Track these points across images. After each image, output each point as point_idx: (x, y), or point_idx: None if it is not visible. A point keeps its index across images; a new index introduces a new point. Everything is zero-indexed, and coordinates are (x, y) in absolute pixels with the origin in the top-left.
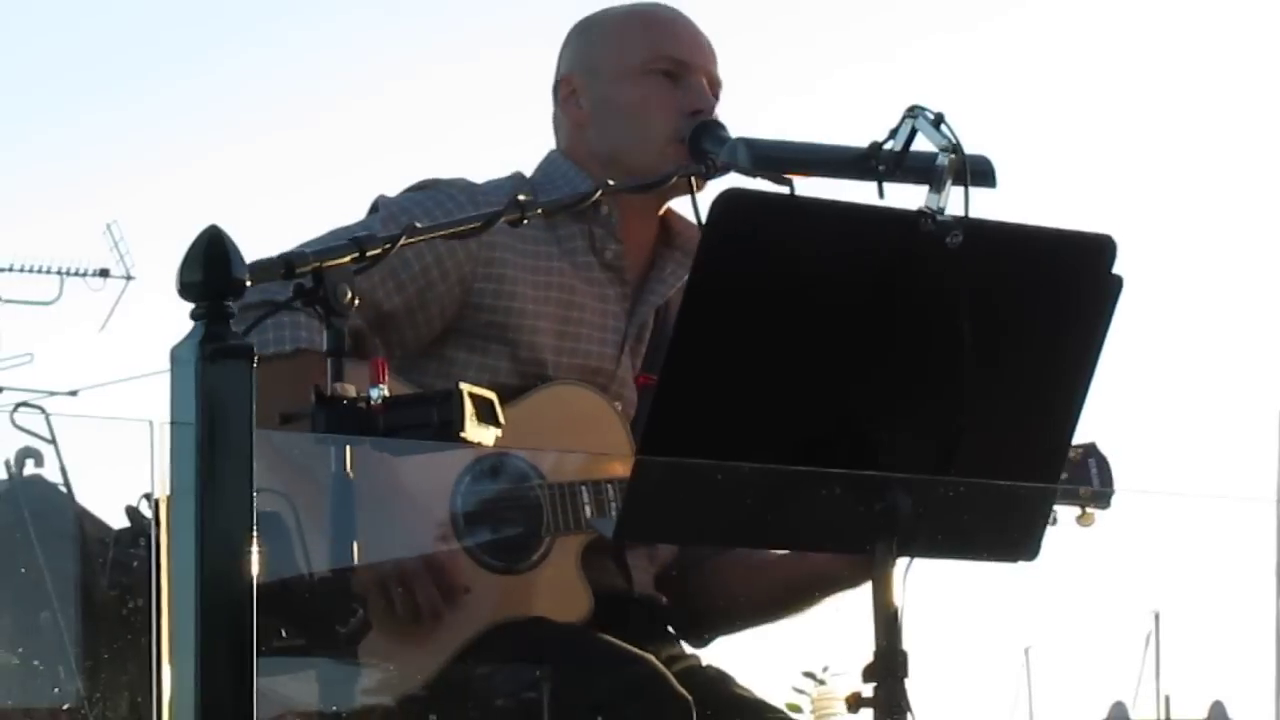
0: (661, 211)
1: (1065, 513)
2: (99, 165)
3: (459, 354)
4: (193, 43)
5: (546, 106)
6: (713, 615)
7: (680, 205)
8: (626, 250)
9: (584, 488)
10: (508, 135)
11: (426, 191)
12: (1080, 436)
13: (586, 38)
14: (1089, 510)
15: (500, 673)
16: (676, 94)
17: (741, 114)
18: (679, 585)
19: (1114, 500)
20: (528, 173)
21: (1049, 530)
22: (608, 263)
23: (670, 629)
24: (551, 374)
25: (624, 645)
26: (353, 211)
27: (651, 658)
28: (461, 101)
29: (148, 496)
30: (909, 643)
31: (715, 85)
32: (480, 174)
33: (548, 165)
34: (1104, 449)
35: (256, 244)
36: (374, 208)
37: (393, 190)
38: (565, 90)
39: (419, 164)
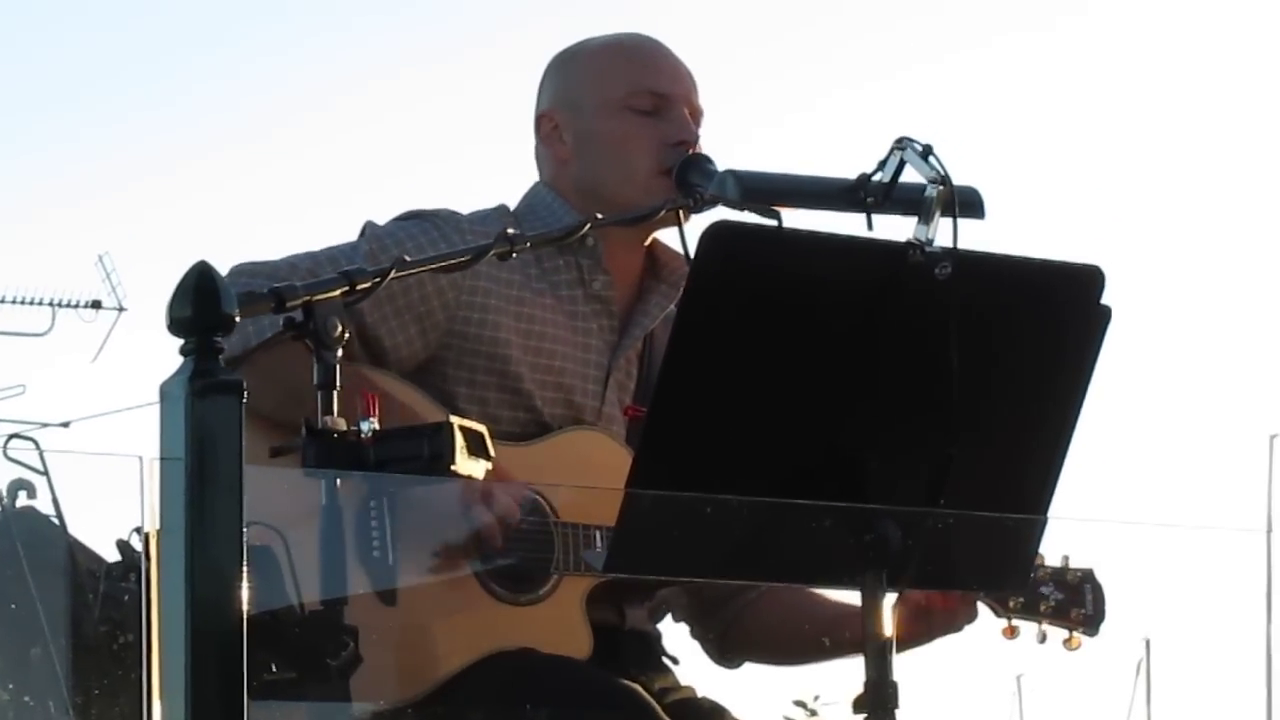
0: (647, 243)
1: (1054, 634)
2: (91, 196)
3: (447, 384)
4: (185, 75)
5: (531, 136)
6: (751, 648)
7: (667, 237)
8: (613, 281)
9: (598, 532)
10: (497, 164)
11: (414, 221)
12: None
13: (566, 72)
14: (1076, 635)
15: (488, 706)
16: (659, 126)
17: (729, 144)
18: (715, 613)
19: (1101, 627)
20: (512, 204)
21: (1036, 648)
22: (595, 294)
23: (664, 660)
24: (539, 406)
25: (613, 677)
26: (341, 237)
27: (640, 689)
28: (451, 132)
29: (139, 530)
30: (900, 674)
31: (697, 114)
32: (469, 202)
33: (532, 197)
34: (1100, 576)
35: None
36: (363, 232)
37: (382, 219)
38: (547, 126)
39: (412, 195)
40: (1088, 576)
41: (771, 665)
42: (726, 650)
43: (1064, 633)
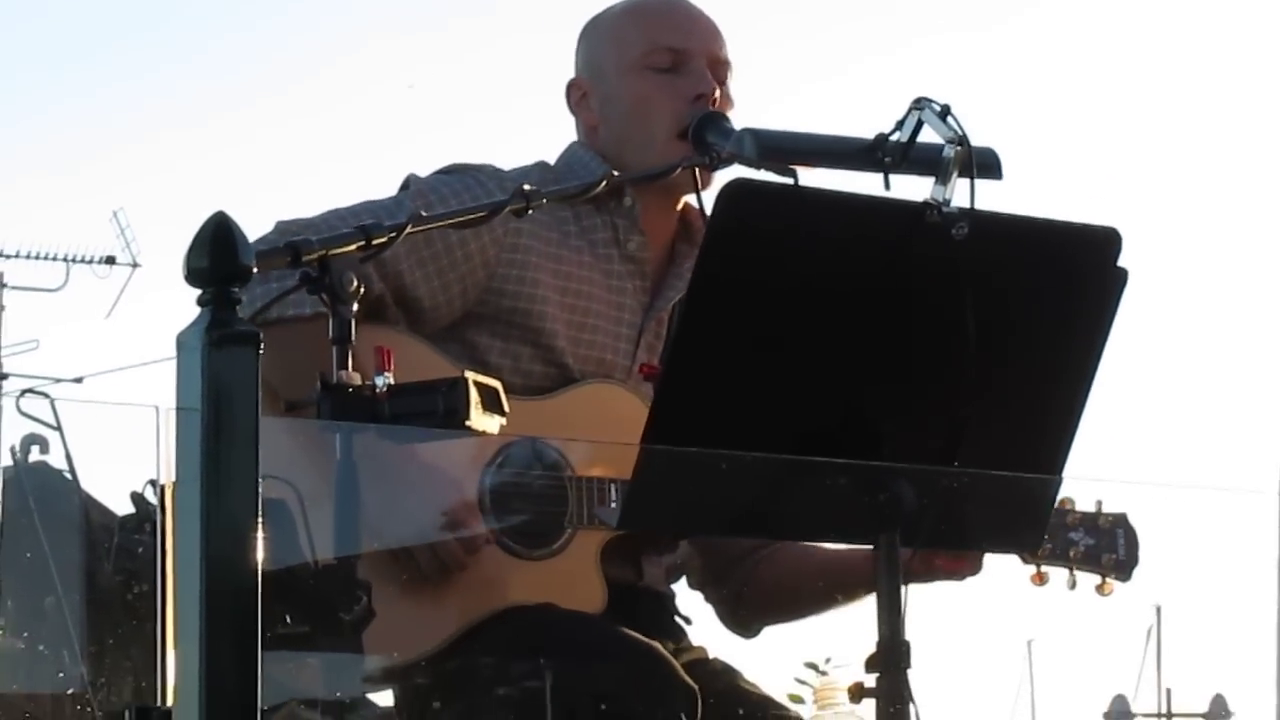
0: (680, 206)
1: (1085, 579)
2: (105, 153)
3: (481, 338)
4: (201, 29)
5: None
6: (762, 607)
7: (692, 196)
8: (648, 243)
9: (613, 485)
10: (528, 121)
11: (456, 176)
12: (1089, 438)
13: (590, 38)
14: (1109, 580)
15: (503, 660)
16: (677, 83)
17: (749, 106)
18: (727, 576)
19: (1134, 572)
20: (551, 160)
21: (1068, 595)
22: (630, 254)
23: (678, 620)
24: (570, 363)
25: (631, 634)
26: (359, 196)
27: (658, 646)
28: (475, 91)
29: (153, 483)
30: (912, 633)
31: (720, 66)
32: (491, 157)
33: (569, 155)
34: (1133, 520)
35: (263, 231)
36: (405, 185)
37: (402, 174)
38: (576, 94)
39: (429, 153)
40: (1120, 521)
41: (785, 621)
42: (741, 613)
43: (1095, 578)
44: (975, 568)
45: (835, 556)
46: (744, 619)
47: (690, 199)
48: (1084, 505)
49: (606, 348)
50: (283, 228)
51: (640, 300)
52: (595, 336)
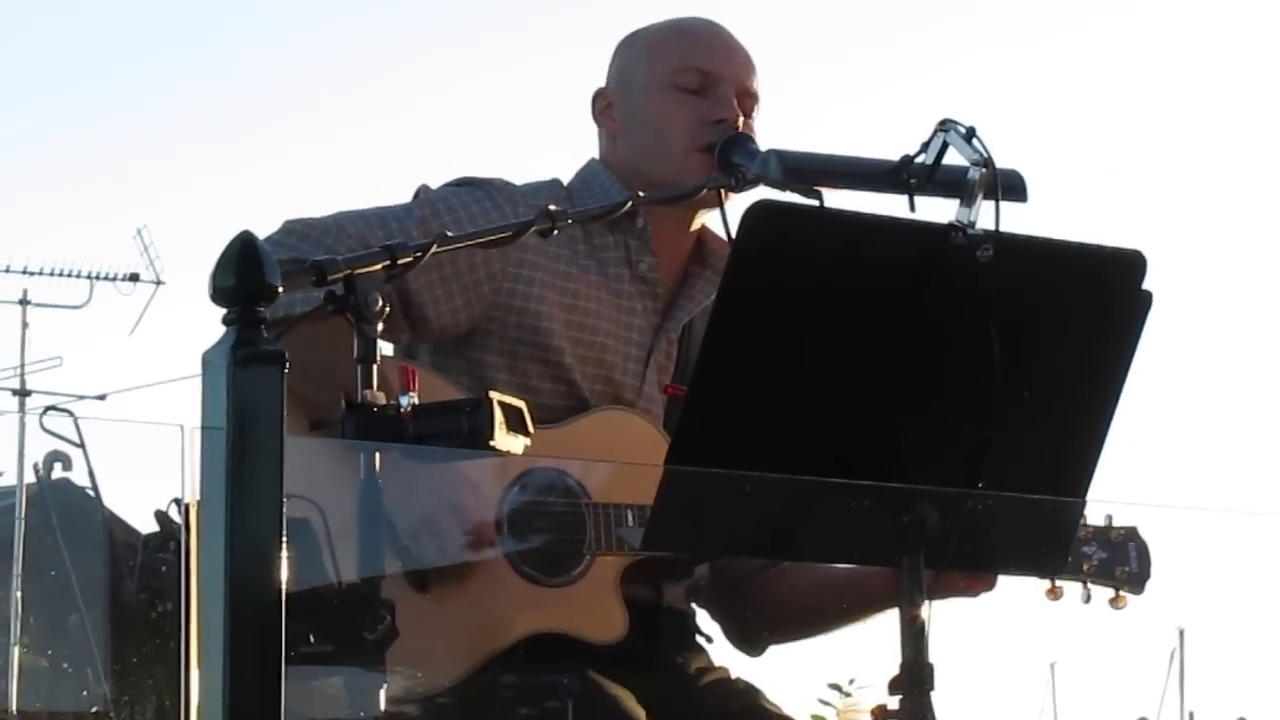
0: (696, 228)
1: (1099, 593)
2: (129, 170)
3: (489, 356)
4: (224, 48)
5: (588, 114)
6: (769, 624)
7: (709, 218)
8: (660, 263)
9: (629, 510)
10: (548, 143)
11: (467, 189)
12: (1112, 451)
13: (627, 51)
14: (1123, 593)
15: (525, 682)
16: (701, 105)
17: (774, 127)
18: (735, 593)
19: (1147, 585)
20: (565, 179)
21: (1083, 609)
22: (641, 275)
23: (700, 639)
24: (578, 380)
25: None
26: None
27: None
28: (498, 112)
29: (177, 501)
30: (935, 655)
31: (748, 98)
32: (512, 175)
33: (586, 172)
34: (1144, 533)
35: (271, 230)
36: (417, 194)
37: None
38: (601, 103)
39: (453, 171)
40: (1131, 534)
41: (795, 639)
42: (751, 630)
43: (1109, 592)
44: (990, 584)
45: (846, 573)
46: (753, 637)
47: (707, 220)
48: (1095, 519)
49: (615, 367)
50: (289, 227)
51: (650, 321)
52: (604, 355)
